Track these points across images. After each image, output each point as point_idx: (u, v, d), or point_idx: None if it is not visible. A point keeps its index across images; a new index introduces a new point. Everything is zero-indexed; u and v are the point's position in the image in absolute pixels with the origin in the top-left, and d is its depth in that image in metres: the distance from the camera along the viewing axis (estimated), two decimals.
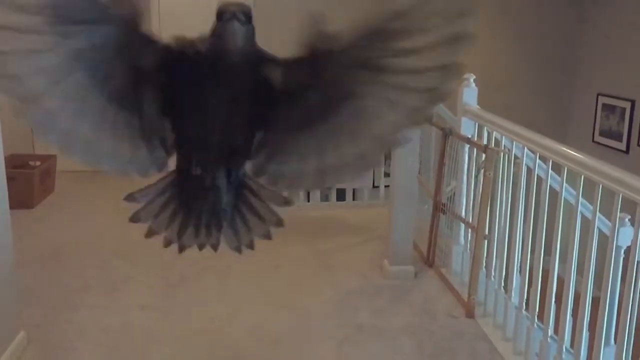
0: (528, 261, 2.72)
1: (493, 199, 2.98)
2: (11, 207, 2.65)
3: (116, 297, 3.18)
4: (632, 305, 2.04)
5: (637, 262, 2.02)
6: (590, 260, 2.25)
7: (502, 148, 2.95)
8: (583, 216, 2.40)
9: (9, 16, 0.97)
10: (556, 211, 2.45)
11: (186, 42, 1.16)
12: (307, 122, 1.18)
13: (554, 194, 2.51)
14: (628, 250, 2.13)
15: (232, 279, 3.40)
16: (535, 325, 2.62)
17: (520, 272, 2.81)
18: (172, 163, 1.30)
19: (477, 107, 3.35)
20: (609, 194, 2.14)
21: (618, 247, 2.22)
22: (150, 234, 1.37)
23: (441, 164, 3.51)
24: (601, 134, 5.40)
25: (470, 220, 3.25)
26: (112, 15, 1.07)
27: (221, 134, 1.22)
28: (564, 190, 2.46)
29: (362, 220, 4.36)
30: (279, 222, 1.38)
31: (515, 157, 2.86)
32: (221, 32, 1.12)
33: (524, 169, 2.75)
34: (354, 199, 4.71)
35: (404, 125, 1.13)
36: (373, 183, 4.64)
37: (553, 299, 2.54)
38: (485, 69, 5.06)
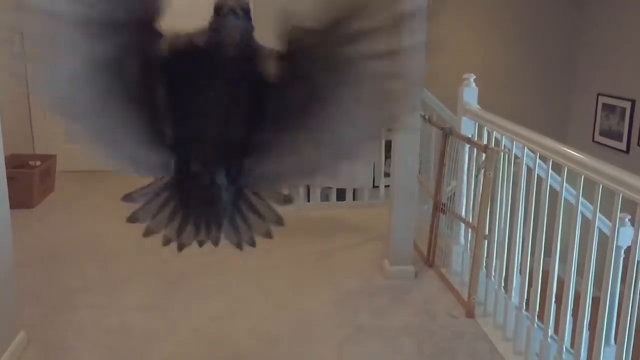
0: (528, 261, 2.72)
1: (493, 199, 2.98)
2: (11, 207, 2.65)
3: (116, 297, 3.18)
4: (632, 305, 2.04)
5: (637, 262, 2.02)
6: (590, 260, 2.25)
7: (502, 148, 2.95)
8: (583, 216, 2.40)
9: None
10: (556, 211, 2.45)
11: (184, 36, 1.16)
12: (299, 114, 1.19)
13: (554, 194, 2.51)
14: (628, 250, 2.12)
15: (232, 279, 3.40)
16: (535, 325, 2.62)
17: (520, 272, 2.81)
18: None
19: (477, 106, 3.34)
20: (609, 194, 2.14)
21: (618, 247, 2.22)
22: (148, 233, 1.37)
23: (441, 163, 3.51)
24: (601, 133, 5.40)
25: (471, 220, 3.25)
26: (139, 8, 1.08)
27: (219, 128, 1.23)
28: (564, 190, 2.46)
29: (362, 220, 4.36)
30: (279, 221, 1.38)
31: (516, 157, 2.86)
32: (218, 26, 1.12)
33: (524, 168, 2.75)
34: (354, 199, 4.71)
35: (385, 113, 1.17)
36: (373, 183, 4.64)
37: (553, 299, 2.53)
38: (485, 69, 5.07)
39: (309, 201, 4.63)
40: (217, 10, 1.12)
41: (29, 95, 5.24)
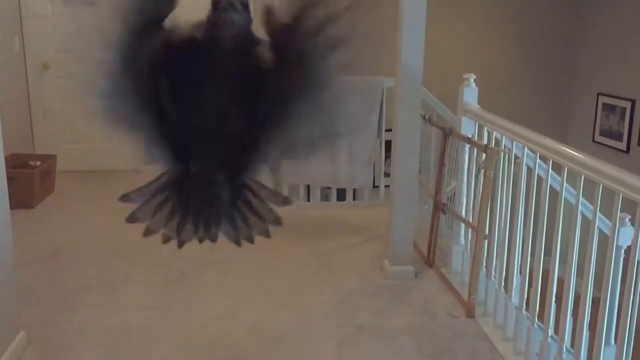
0: (528, 261, 2.72)
1: (493, 199, 2.98)
2: (11, 207, 2.65)
3: (116, 297, 3.18)
4: (632, 305, 2.04)
5: (638, 262, 2.02)
6: (590, 260, 2.25)
7: (503, 148, 2.95)
8: (583, 216, 2.40)
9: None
10: (556, 211, 2.45)
11: (183, 30, 1.16)
12: (292, 100, 1.22)
13: (554, 194, 2.51)
14: (628, 250, 2.12)
15: (232, 279, 3.40)
16: (535, 325, 2.62)
17: (520, 272, 2.81)
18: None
19: (478, 106, 3.34)
20: (609, 194, 2.14)
21: (618, 247, 2.22)
22: (148, 232, 1.37)
23: (441, 163, 3.51)
24: (601, 133, 5.40)
25: (471, 220, 3.25)
26: (155, 8, 1.11)
27: (217, 122, 1.23)
28: (564, 190, 2.46)
29: (362, 220, 4.36)
30: (278, 221, 1.39)
31: (516, 157, 2.86)
32: (216, 20, 1.13)
33: (524, 168, 2.75)
34: (354, 199, 4.70)
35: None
36: (373, 183, 4.64)
37: (553, 299, 2.53)
38: (485, 69, 5.07)
39: (309, 201, 4.63)
40: (215, 3, 1.13)
41: (29, 95, 5.25)
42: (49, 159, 4.79)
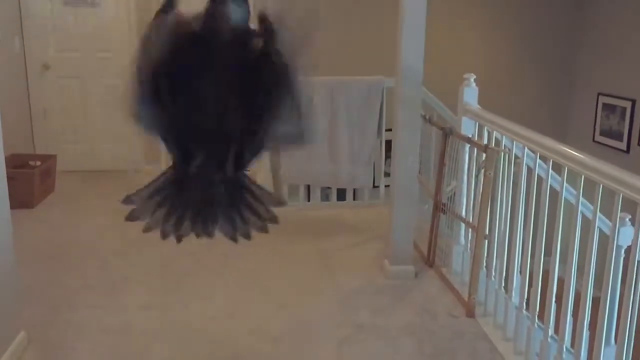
0: (528, 261, 2.72)
1: (493, 199, 2.98)
2: (11, 207, 2.65)
3: (116, 297, 3.18)
4: (632, 305, 2.04)
5: (638, 262, 2.02)
6: (590, 260, 2.25)
7: (503, 148, 2.95)
8: (583, 216, 2.40)
9: None
10: (556, 211, 2.45)
11: (184, 21, 1.17)
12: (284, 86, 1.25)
13: (555, 194, 2.51)
14: (628, 250, 2.12)
15: (232, 279, 3.40)
16: (535, 325, 2.62)
17: (520, 271, 2.81)
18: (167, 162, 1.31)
19: (478, 106, 3.34)
20: (610, 194, 2.14)
21: (618, 247, 2.22)
22: (148, 229, 1.38)
23: (441, 163, 3.51)
24: (602, 133, 5.41)
25: (471, 220, 3.25)
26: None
27: (216, 116, 1.23)
28: (564, 190, 2.46)
29: (362, 220, 4.36)
30: (274, 219, 1.40)
31: (516, 157, 2.86)
32: (214, 12, 1.13)
33: (525, 168, 2.75)
34: (354, 199, 4.71)
35: None
36: (373, 183, 4.64)
37: (553, 299, 2.53)
38: (485, 69, 5.08)
39: (309, 201, 4.64)
40: None
41: (29, 96, 5.25)
42: (49, 159, 4.79)
